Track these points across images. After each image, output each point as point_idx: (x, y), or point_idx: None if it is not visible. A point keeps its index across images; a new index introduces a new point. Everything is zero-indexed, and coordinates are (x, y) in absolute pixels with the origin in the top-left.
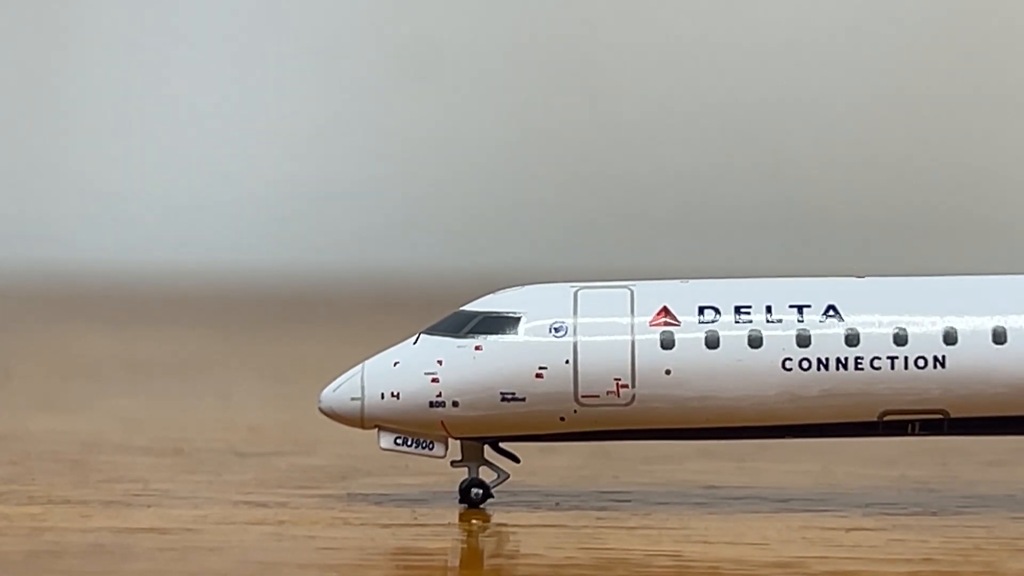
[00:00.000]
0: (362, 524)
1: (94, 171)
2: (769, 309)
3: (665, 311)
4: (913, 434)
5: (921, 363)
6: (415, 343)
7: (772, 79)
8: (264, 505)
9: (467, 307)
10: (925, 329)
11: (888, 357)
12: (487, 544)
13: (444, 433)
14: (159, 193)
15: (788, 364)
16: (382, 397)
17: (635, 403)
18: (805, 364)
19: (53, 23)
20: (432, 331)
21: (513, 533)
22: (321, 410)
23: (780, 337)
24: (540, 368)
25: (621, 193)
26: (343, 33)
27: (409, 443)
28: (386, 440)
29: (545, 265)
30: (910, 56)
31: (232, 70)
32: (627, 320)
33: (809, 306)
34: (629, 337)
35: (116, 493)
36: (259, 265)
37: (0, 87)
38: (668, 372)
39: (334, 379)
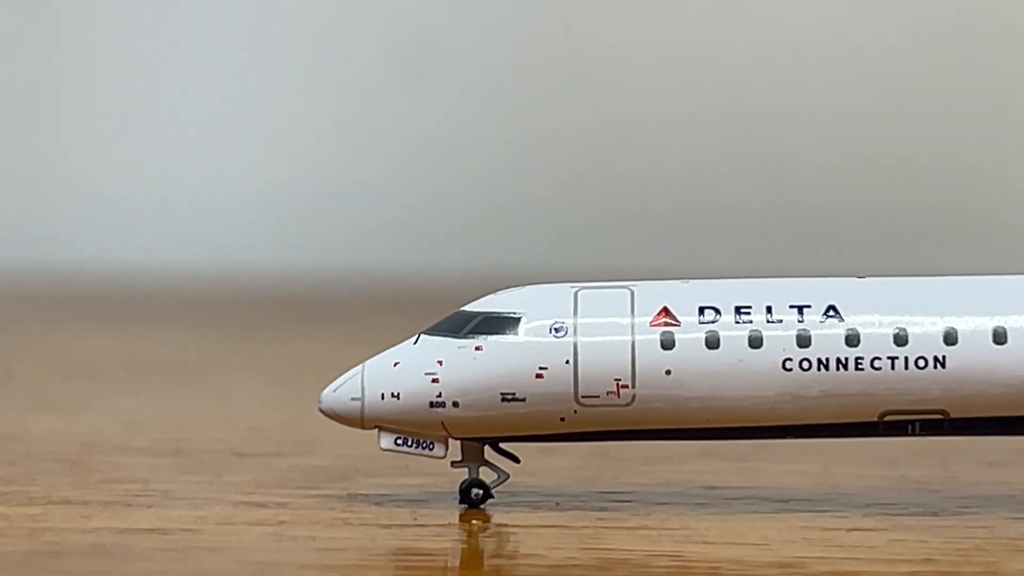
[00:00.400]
0: (362, 524)
1: (94, 171)
2: (769, 309)
3: (665, 311)
4: (913, 434)
5: (921, 363)
6: (415, 343)
7: (773, 80)
8: (264, 505)
9: (467, 307)
10: (925, 329)
11: (888, 357)
12: (487, 544)
13: (444, 433)
14: (159, 193)
15: (788, 364)
16: (382, 397)
17: (635, 403)
18: (805, 364)
19: (53, 23)
20: (432, 331)
21: (513, 533)
22: (321, 410)
23: (780, 337)
24: (540, 368)
25: (621, 193)
26: (343, 33)
27: (409, 443)
28: (386, 440)
29: (545, 265)
30: (911, 57)
31: (232, 70)
32: (627, 320)
33: (809, 306)
34: (629, 337)
35: (116, 493)
36: (259, 265)
37: (0, 87)
38: (668, 372)
39: (334, 379)
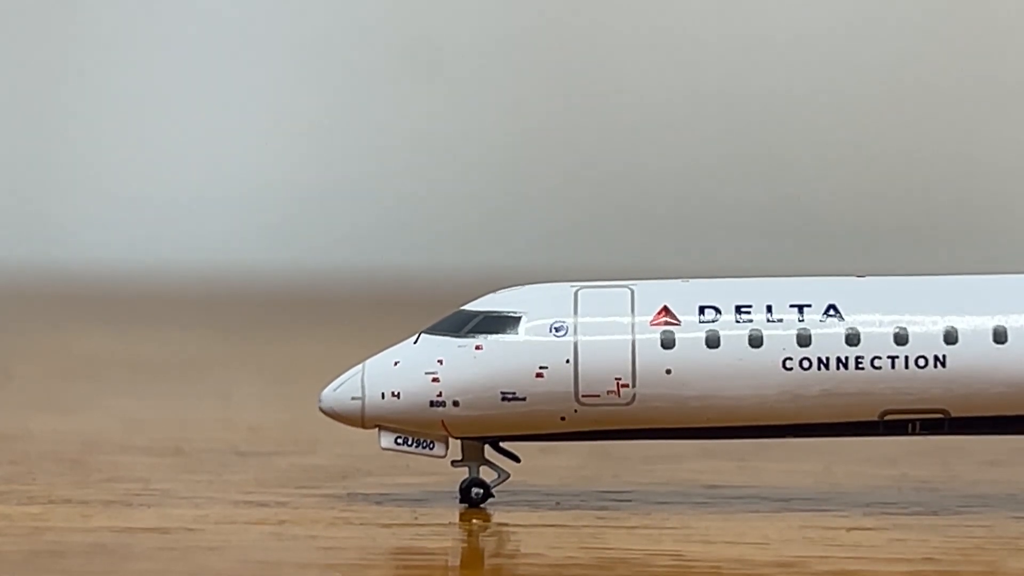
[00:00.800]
0: (363, 524)
1: (94, 171)
2: (770, 309)
3: (665, 311)
4: (914, 434)
5: (922, 362)
6: (415, 343)
7: (774, 78)
8: (265, 505)
9: (468, 307)
10: (926, 328)
11: (889, 357)
12: (488, 544)
13: (445, 433)
14: (159, 193)
15: (788, 364)
16: (382, 397)
17: (636, 403)
18: (806, 364)
19: (53, 23)
20: (433, 331)
21: (514, 533)
22: (321, 410)
23: (781, 337)
24: (541, 368)
25: (621, 192)
26: (344, 32)
27: (409, 443)
28: (386, 440)
29: (545, 264)
30: (912, 55)
31: (232, 69)
32: (628, 320)
33: (810, 305)
34: (630, 337)
35: (117, 493)
36: (259, 265)
37: (0, 87)
38: (669, 372)
39: (334, 379)
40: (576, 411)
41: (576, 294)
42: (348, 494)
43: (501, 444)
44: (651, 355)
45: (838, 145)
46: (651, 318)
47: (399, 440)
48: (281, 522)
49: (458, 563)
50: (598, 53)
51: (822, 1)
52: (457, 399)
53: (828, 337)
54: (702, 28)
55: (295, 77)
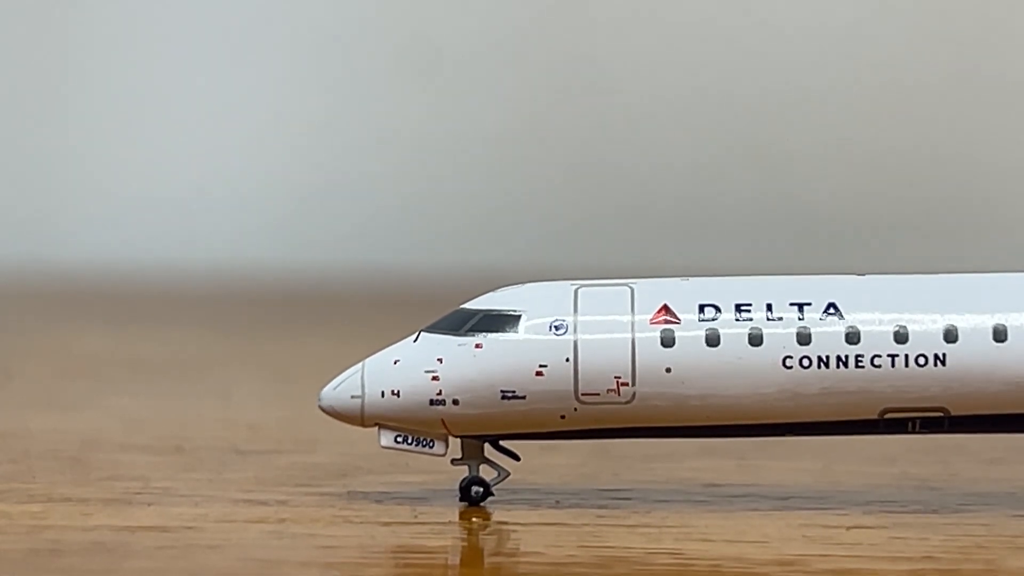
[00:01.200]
0: (362, 522)
1: (94, 170)
2: (769, 307)
3: (665, 309)
4: (914, 432)
5: (922, 361)
6: (415, 341)
7: (774, 77)
8: (264, 503)
9: (467, 305)
10: (926, 327)
11: (889, 355)
12: (487, 542)
13: (444, 431)
14: (159, 192)
15: (788, 362)
16: (382, 395)
17: (635, 401)
18: (805, 362)
19: (53, 23)
20: (432, 329)
21: (513, 531)
22: (321, 408)
23: (780, 335)
24: (540, 366)
25: (621, 191)
26: (343, 31)
27: (409, 441)
28: (386, 438)
29: (545, 263)
30: (912, 53)
31: (232, 68)
32: (627, 318)
33: (809, 304)
34: (629, 335)
35: (116, 491)
36: (260, 264)
37: (0, 87)
38: (668, 370)
39: (334, 377)
40: (576, 409)
41: (576, 292)
42: (348, 492)
43: (501, 442)
44: (651, 354)
45: (838, 143)
46: (651, 316)
47: (399, 438)
48: (281, 520)
49: (458, 561)
50: (598, 53)
51: (823, 1)
52: (457, 397)
53: (828, 335)
54: (702, 28)
55: (295, 76)
